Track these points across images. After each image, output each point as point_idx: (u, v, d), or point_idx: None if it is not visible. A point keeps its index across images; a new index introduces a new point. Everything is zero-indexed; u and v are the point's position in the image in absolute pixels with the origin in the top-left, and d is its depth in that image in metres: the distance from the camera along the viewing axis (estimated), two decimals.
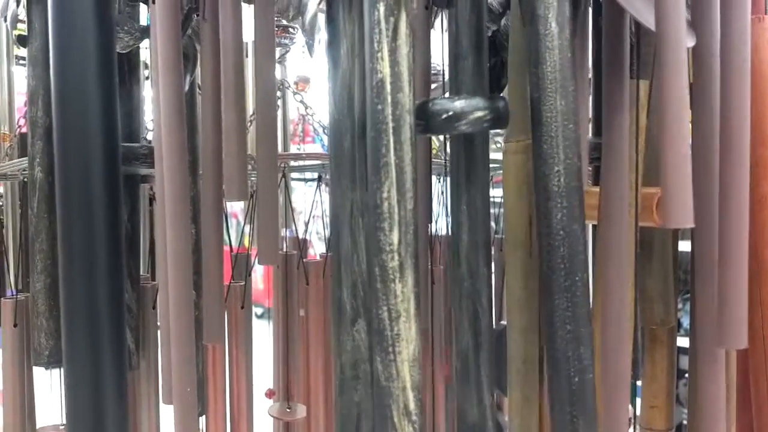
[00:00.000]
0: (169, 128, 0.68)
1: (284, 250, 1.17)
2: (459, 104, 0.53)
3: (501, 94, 0.77)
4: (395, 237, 0.47)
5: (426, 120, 0.54)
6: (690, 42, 0.61)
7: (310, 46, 0.59)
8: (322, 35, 0.83)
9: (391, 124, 0.48)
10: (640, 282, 0.87)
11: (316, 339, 1.07)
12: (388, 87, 0.48)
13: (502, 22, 0.79)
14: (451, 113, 0.52)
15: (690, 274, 0.74)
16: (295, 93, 1.13)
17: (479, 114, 0.53)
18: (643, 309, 0.88)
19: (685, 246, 0.81)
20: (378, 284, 0.48)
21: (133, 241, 0.87)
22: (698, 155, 0.66)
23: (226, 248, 1.01)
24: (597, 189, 0.73)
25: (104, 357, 0.64)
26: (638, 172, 0.71)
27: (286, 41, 1.06)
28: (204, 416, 0.95)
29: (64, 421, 0.80)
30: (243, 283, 0.99)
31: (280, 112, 1.33)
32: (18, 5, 0.85)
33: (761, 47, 0.73)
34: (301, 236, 1.21)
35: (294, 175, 1.56)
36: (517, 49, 0.63)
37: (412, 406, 0.48)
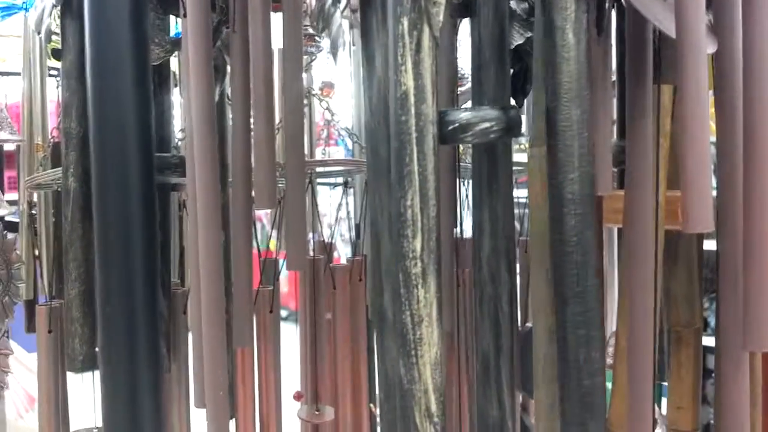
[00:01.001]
0: (201, 137, 0.70)
1: (311, 254, 1.19)
2: (465, 116, 0.54)
3: (524, 100, 0.78)
4: (418, 244, 0.49)
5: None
6: (712, 47, 0.61)
7: (334, 55, 0.60)
8: (344, 43, 0.84)
9: (414, 135, 0.49)
10: (665, 284, 0.87)
11: (343, 342, 1.08)
12: (412, 99, 0.49)
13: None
14: (456, 125, 0.54)
15: (716, 274, 0.74)
16: (321, 99, 1.14)
17: (485, 125, 0.55)
18: (668, 311, 0.88)
19: (711, 245, 0.82)
20: (401, 289, 0.49)
21: (164, 248, 0.89)
22: (722, 159, 0.67)
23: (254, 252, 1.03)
24: (622, 193, 0.74)
25: (140, 362, 0.66)
26: (659, 176, 0.72)
27: (312, 49, 1.08)
28: (234, 419, 0.97)
29: (98, 425, 0.82)
30: (271, 288, 1.00)
31: (306, 119, 1.35)
32: (52, 19, 0.87)
33: None
34: (327, 240, 1.22)
35: (319, 179, 1.57)
36: (542, 56, 0.64)
37: (434, 408, 0.49)
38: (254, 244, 1.09)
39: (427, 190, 0.49)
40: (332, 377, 1.11)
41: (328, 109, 1.10)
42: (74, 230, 0.83)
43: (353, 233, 1.34)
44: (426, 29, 0.49)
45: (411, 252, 0.49)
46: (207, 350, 0.71)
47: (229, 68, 0.80)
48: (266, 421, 1.02)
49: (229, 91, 0.81)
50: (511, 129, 0.57)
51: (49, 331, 0.93)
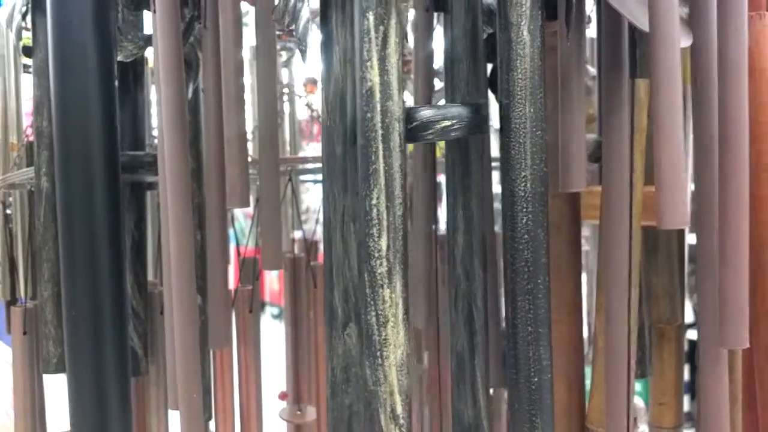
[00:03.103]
0: (171, 135, 0.69)
1: (294, 252, 1.18)
2: (426, 113, 0.53)
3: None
4: (384, 243, 0.48)
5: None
6: (686, 41, 0.61)
7: (303, 52, 0.59)
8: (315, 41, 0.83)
9: (380, 132, 0.48)
10: (646, 280, 0.87)
11: (324, 341, 1.07)
12: (378, 95, 0.48)
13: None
14: (417, 122, 0.53)
15: (696, 270, 0.74)
16: (300, 96, 1.13)
17: (447, 123, 0.54)
18: (649, 307, 0.88)
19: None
20: (367, 289, 0.48)
21: (140, 248, 0.88)
22: (699, 154, 0.66)
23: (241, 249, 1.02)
24: (599, 188, 0.73)
25: (107, 365, 0.65)
26: (636, 171, 0.71)
27: (291, 45, 1.07)
28: (213, 421, 0.96)
29: None
30: (251, 287, 0.99)
31: (287, 114, 1.34)
32: (23, 17, 0.86)
33: (763, 44, 0.72)
34: (312, 238, 1.21)
35: (309, 176, 1.57)
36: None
37: (399, 410, 0.49)
38: (235, 242, 1.08)
39: (393, 189, 0.48)
40: (316, 377, 1.11)
41: (307, 105, 1.09)
42: (47, 231, 0.82)
43: None
44: (392, 24, 0.48)
45: (377, 251, 0.48)
46: (179, 351, 0.70)
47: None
48: (246, 422, 1.01)
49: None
50: (476, 126, 0.57)
51: (24, 333, 0.92)
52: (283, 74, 1.27)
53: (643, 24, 0.55)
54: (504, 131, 0.53)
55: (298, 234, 1.40)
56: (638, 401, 1.36)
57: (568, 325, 0.85)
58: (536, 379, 0.54)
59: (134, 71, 0.86)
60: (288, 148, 1.35)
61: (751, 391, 0.82)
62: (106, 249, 0.65)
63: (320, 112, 1.17)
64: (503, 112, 0.53)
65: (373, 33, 0.48)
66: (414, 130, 0.52)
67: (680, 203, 0.52)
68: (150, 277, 1.04)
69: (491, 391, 0.69)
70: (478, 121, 0.56)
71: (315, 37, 0.80)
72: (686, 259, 0.89)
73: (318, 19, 0.57)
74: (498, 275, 0.76)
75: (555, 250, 0.78)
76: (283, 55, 1.18)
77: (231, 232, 1.17)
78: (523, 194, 0.52)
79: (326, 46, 0.56)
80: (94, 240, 0.65)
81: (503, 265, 0.55)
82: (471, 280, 0.60)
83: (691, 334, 1.72)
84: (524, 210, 0.52)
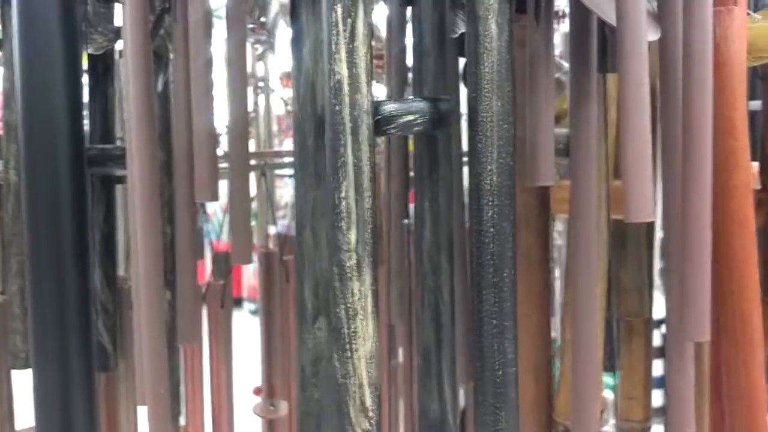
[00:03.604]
0: (139, 128, 0.69)
1: (267, 247, 1.17)
2: (389, 108, 0.53)
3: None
4: (353, 236, 0.48)
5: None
6: (654, 35, 0.61)
7: (272, 44, 0.59)
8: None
9: (348, 125, 0.48)
10: (615, 274, 0.88)
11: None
12: (346, 88, 0.48)
13: None
14: (379, 117, 0.53)
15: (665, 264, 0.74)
16: (273, 90, 1.13)
17: (409, 118, 0.54)
18: (618, 301, 0.89)
19: None
20: (336, 283, 0.48)
21: (109, 243, 0.87)
22: (666, 148, 0.67)
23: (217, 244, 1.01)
24: (568, 183, 0.74)
25: (72, 362, 0.64)
26: (606, 166, 0.72)
27: (265, 38, 1.06)
28: (184, 417, 0.96)
29: None
30: (222, 282, 0.99)
31: (262, 109, 1.33)
32: None
33: (730, 38, 0.73)
34: (287, 233, 1.21)
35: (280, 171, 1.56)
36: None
37: (368, 402, 0.49)
38: (215, 237, 1.08)
39: (362, 182, 0.48)
40: (287, 371, 1.10)
41: (282, 98, 1.08)
42: (15, 224, 0.81)
43: None
44: (360, 16, 0.48)
45: (346, 244, 0.48)
46: (146, 347, 0.69)
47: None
48: (218, 417, 1.01)
49: None
50: (441, 121, 0.57)
51: None
52: (259, 68, 1.26)
53: (612, 18, 0.56)
54: (471, 125, 0.53)
55: (272, 229, 1.39)
56: (609, 395, 1.37)
57: (536, 318, 0.85)
58: (501, 373, 0.54)
59: (104, 64, 0.85)
60: (262, 142, 1.34)
61: (719, 383, 0.83)
62: (71, 243, 0.65)
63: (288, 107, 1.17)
64: (471, 106, 0.53)
65: (341, 25, 0.48)
66: (377, 124, 0.52)
67: (646, 196, 0.53)
68: (122, 272, 1.03)
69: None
70: (442, 115, 0.56)
71: (286, 29, 0.80)
72: (658, 253, 0.90)
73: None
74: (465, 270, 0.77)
75: (524, 243, 0.78)
76: (258, 49, 1.17)
77: (208, 227, 1.16)
78: (489, 187, 0.52)
79: (296, 38, 0.56)
80: (58, 234, 0.64)
81: (469, 258, 0.55)
82: (438, 274, 0.60)
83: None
84: (490, 203, 0.53)
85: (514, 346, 0.54)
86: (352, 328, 0.48)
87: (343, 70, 0.48)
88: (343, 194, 0.48)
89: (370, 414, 0.49)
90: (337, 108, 0.48)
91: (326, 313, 0.56)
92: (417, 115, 0.54)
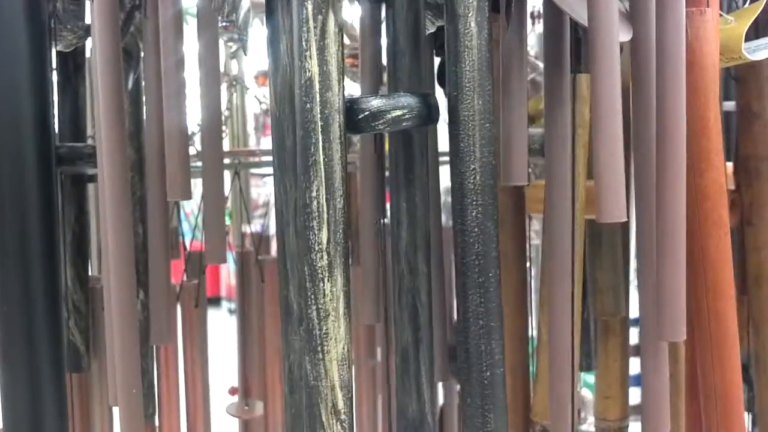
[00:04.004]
0: (109, 126, 0.68)
1: (243, 247, 1.16)
2: (376, 103, 0.52)
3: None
4: (324, 236, 0.47)
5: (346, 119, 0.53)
6: (626, 36, 0.61)
7: (244, 43, 0.58)
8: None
9: (319, 123, 0.47)
10: (591, 274, 0.88)
11: (272, 336, 1.06)
12: (317, 86, 0.47)
13: None
14: (367, 112, 0.52)
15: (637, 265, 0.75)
16: (248, 89, 1.12)
17: (397, 113, 0.53)
18: (594, 300, 0.89)
19: None
20: (307, 283, 0.48)
21: (81, 242, 0.86)
22: (639, 149, 0.67)
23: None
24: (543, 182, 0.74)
25: (41, 363, 0.63)
26: (578, 166, 0.72)
27: (236, 35, 1.05)
28: (158, 417, 0.95)
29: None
30: (197, 282, 0.98)
31: (237, 108, 1.32)
32: None
33: (703, 39, 0.73)
34: (265, 232, 1.20)
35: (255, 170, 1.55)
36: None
37: (340, 405, 0.48)
38: (192, 236, 1.07)
39: (334, 181, 0.47)
40: (262, 371, 1.09)
41: (255, 97, 1.08)
42: None
43: None
44: (331, 14, 0.48)
45: (317, 244, 0.47)
46: (118, 347, 0.68)
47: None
48: (192, 417, 1.00)
49: None
50: (427, 117, 0.56)
51: None
52: (232, 66, 1.25)
53: (584, 19, 0.55)
54: (453, 124, 0.53)
55: (247, 228, 1.38)
56: (587, 394, 1.37)
57: (514, 318, 0.85)
58: (488, 374, 0.53)
59: (75, 61, 0.84)
60: (237, 140, 1.33)
61: (695, 382, 0.83)
62: (38, 242, 0.64)
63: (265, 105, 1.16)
64: (451, 105, 0.53)
65: (311, 22, 0.47)
66: (363, 120, 0.51)
67: (619, 196, 0.53)
68: (95, 271, 1.02)
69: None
70: (429, 110, 0.55)
71: (257, 27, 0.79)
72: (633, 253, 0.90)
73: (264, 10, 0.56)
74: (445, 269, 0.76)
75: (500, 244, 0.78)
76: (232, 47, 1.16)
77: (185, 226, 1.15)
78: (472, 187, 0.52)
79: (272, 36, 0.56)
80: (25, 232, 0.63)
81: (454, 258, 0.54)
82: (414, 274, 0.59)
83: None
84: (474, 203, 0.52)
85: (501, 347, 0.54)
86: (323, 329, 0.48)
87: (313, 67, 0.47)
88: (314, 193, 0.47)
89: (342, 417, 0.48)
90: (308, 106, 0.47)
91: None
92: (405, 111, 0.53)
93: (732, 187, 0.90)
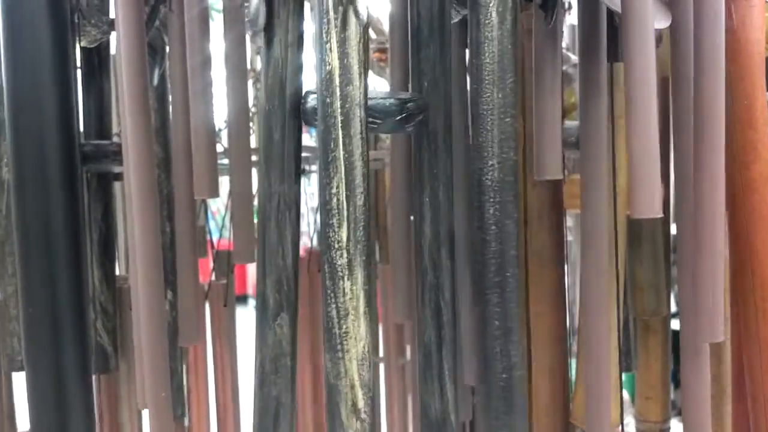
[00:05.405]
0: (134, 123, 0.66)
1: None
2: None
3: None
4: (344, 234, 0.46)
5: (381, 119, 0.52)
6: (665, 22, 0.58)
7: (256, 34, 0.57)
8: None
9: (340, 118, 0.45)
10: (630, 271, 0.84)
11: (301, 334, 1.05)
12: (337, 80, 0.45)
13: None
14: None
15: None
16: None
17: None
18: (634, 299, 0.86)
19: None
20: (327, 281, 0.46)
21: (107, 241, 0.85)
22: (678, 141, 0.64)
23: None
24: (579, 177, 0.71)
25: (67, 360, 0.62)
26: (619, 159, 0.69)
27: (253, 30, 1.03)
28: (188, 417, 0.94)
29: None
30: (225, 282, 0.97)
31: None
32: None
33: (749, 26, 0.70)
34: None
35: None
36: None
37: (361, 404, 0.47)
38: (218, 235, 1.06)
39: (354, 178, 0.46)
40: None
41: None
42: (9, 224, 0.79)
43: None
44: (353, 5, 0.46)
45: (336, 242, 0.46)
46: (147, 349, 0.67)
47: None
48: (223, 417, 0.99)
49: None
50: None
51: None
52: (258, 62, 1.23)
53: (616, 4, 0.53)
54: (473, 118, 0.51)
55: None
56: (625, 395, 1.34)
57: (551, 317, 0.82)
58: (505, 376, 0.51)
59: (99, 57, 0.83)
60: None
61: (741, 383, 0.80)
62: (63, 241, 0.63)
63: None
64: (472, 98, 0.51)
65: (332, 14, 0.45)
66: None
67: (653, 191, 0.50)
68: (122, 271, 1.01)
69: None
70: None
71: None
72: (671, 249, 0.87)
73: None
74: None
75: (537, 240, 0.75)
76: (258, 42, 1.14)
77: (212, 224, 1.14)
78: (490, 183, 0.50)
79: (267, 29, 0.54)
80: (50, 233, 0.62)
81: (472, 257, 0.52)
82: (438, 271, 0.57)
83: (674, 325, 1.70)
84: (492, 200, 0.50)
85: (519, 349, 0.52)
86: (343, 328, 0.46)
87: (334, 60, 0.45)
88: (334, 190, 0.46)
89: (363, 416, 0.47)
90: (328, 100, 0.46)
91: (288, 309, 0.54)
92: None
93: None
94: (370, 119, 0.50)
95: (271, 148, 0.54)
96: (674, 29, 0.58)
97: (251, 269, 4.73)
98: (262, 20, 0.53)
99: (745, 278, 0.71)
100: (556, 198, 0.80)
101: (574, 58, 0.94)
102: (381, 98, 0.52)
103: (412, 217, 0.78)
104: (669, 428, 0.93)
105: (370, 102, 0.49)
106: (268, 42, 0.53)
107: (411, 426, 1.17)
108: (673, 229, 0.90)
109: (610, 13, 0.63)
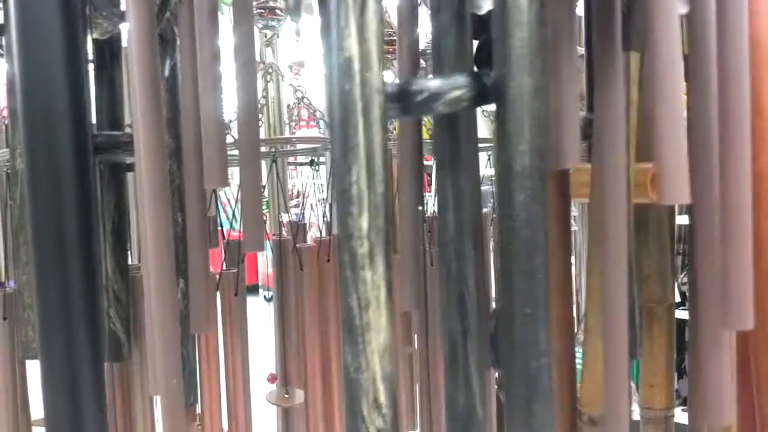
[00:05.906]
0: (145, 114, 0.67)
1: (280, 235, 1.16)
2: (435, 84, 0.50)
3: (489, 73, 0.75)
4: (365, 222, 0.46)
5: (403, 101, 0.51)
6: (683, 7, 0.58)
7: (295, 21, 0.56)
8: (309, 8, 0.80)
9: (359, 105, 0.45)
10: (636, 260, 0.85)
11: (311, 324, 1.05)
12: (356, 65, 0.45)
13: None
14: (426, 94, 0.50)
15: (689, 249, 0.72)
16: (283, 77, 1.11)
17: (458, 93, 0.51)
18: (640, 287, 0.86)
19: (683, 219, 0.79)
20: (347, 272, 0.46)
21: (120, 231, 0.85)
22: (695, 128, 0.64)
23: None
24: (588, 166, 0.71)
25: (80, 348, 0.63)
26: (629, 148, 0.69)
27: (274, 23, 1.04)
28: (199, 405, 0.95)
29: None
30: (236, 270, 0.97)
31: (272, 96, 1.31)
32: None
33: (755, 13, 0.70)
34: (303, 220, 1.20)
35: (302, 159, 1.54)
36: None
37: (382, 398, 0.46)
38: (229, 226, 1.06)
39: (374, 165, 0.46)
40: (302, 359, 1.09)
41: (291, 84, 1.06)
42: (23, 213, 0.79)
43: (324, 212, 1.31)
44: None
45: (357, 231, 0.46)
46: (158, 337, 0.68)
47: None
48: (234, 405, 1.00)
49: None
50: (484, 96, 0.54)
51: (4, 318, 0.90)
52: (267, 55, 1.24)
53: None
54: (500, 103, 0.50)
55: (285, 217, 1.38)
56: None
57: (558, 305, 0.83)
58: (534, 364, 0.51)
59: (111, 49, 0.83)
60: (273, 129, 1.32)
61: (746, 371, 0.80)
62: (76, 231, 0.63)
63: (299, 94, 1.14)
64: (499, 83, 0.50)
65: None
66: (424, 101, 0.49)
67: (683, 177, 0.50)
68: (135, 260, 1.02)
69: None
70: (484, 90, 0.53)
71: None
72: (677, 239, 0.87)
73: None
74: (485, 257, 0.74)
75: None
76: (267, 34, 1.15)
77: (222, 216, 1.15)
78: (520, 170, 0.50)
79: (324, 12, 0.53)
80: (63, 223, 0.62)
81: (498, 245, 0.52)
82: (462, 261, 0.57)
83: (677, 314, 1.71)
84: (522, 187, 0.50)
85: (547, 336, 0.52)
86: (364, 319, 0.46)
87: (352, 46, 0.45)
88: (354, 178, 0.46)
89: (384, 411, 0.46)
90: (347, 87, 0.46)
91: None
92: (465, 90, 0.51)
93: None
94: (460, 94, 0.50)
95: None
96: (693, 15, 0.58)
97: (262, 259, 4.73)
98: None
99: (755, 267, 0.72)
100: (564, 187, 0.80)
101: (580, 49, 0.94)
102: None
103: (420, 207, 0.79)
104: (673, 416, 0.93)
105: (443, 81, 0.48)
106: (326, 28, 0.52)
107: (418, 415, 1.18)
108: (679, 220, 0.91)
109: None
